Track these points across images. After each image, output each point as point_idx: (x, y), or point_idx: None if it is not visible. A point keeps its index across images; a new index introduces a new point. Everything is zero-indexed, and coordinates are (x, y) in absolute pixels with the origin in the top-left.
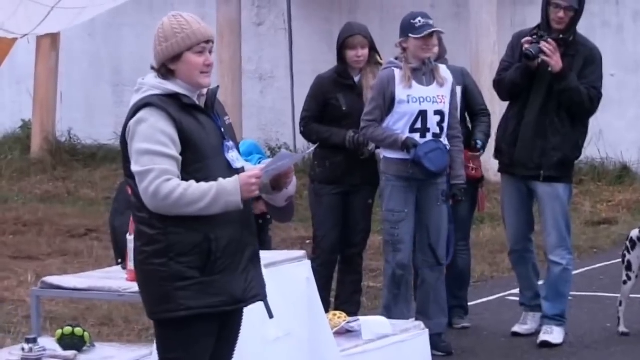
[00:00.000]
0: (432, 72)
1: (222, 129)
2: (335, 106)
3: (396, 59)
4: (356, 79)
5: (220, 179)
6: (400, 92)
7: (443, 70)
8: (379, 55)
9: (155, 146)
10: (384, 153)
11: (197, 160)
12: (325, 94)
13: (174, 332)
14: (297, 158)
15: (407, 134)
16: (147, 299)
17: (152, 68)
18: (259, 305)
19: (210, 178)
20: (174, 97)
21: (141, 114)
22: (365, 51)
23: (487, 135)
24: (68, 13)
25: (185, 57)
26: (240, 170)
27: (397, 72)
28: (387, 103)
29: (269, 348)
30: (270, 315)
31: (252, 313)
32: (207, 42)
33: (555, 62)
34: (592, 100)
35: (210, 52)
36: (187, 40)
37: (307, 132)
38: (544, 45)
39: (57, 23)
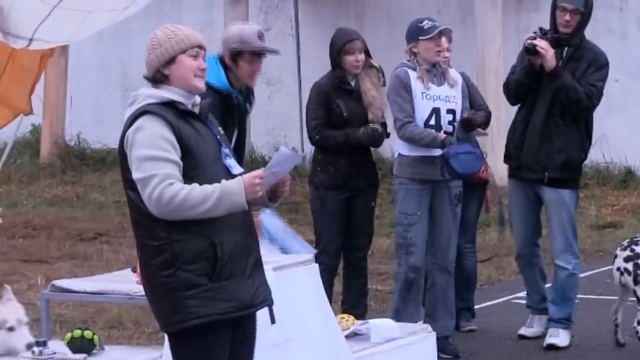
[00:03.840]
0: (443, 74)
1: (219, 137)
2: (336, 112)
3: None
4: (352, 83)
5: (224, 181)
6: (416, 88)
7: (453, 72)
8: (371, 58)
9: (156, 151)
10: (400, 151)
11: (196, 166)
12: (327, 100)
13: (188, 343)
14: (297, 159)
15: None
16: (158, 311)
17: (145, 77)
18: (262, 310)
19: (210, 183)
20: (169, 104)
21: (139, 122)
22: (363, 55)
23: (485, 118)
24: (72, 18)
25: (180, 60)
26: (238, 176)
27: (410, 71)
28: (410, 95)
29: (266, 354)
30: (273, 321)
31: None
32: (200, 47)
33: (549, 58)
34: (589, 97)
35: (204, 58)
36: (182, 43)
37: (323, 139)
38: (538, 40)
39: (61, 28)
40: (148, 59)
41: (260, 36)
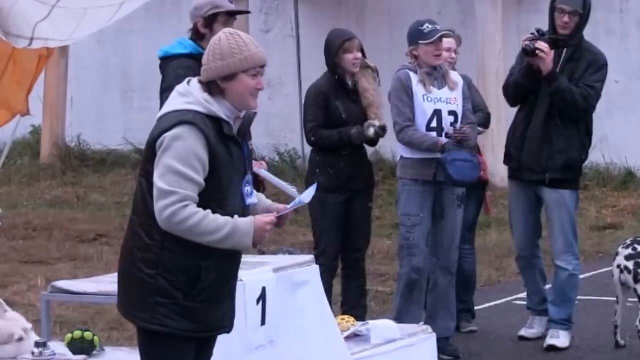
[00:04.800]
0: (443, 76)
1: (247, 162)
2: (335, 114)
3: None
4: (350, 83)
5: (236, 217)
6: (417, 91)
7: (453, 74)
8: (366, 58)
9: (186, 169)
10: (402, 153)
11: (217, 191)
12: (326, 101)
13: (151, 342)
14: (306, 198)
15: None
16: (125, 298)
17: (200, 82)
18: (255, 310)
19: (223, 209)
20: (215, 120)
21: (181, 130)
22: (360, 54)
23: (481, 124)
24: (70, 16)
25: (239, 78)
26: (247, 208)
27: (411, 73)
28: (411, 99)
29: (248, 356)
30: (263, 322)
31: (244, 319)
32: (262, 66)
33: (547, 61)
34: (586, 99)
35: (262, 75)
36: (245, 62)
37: (319, 140)
38: (539, 43)
39: (59, 28)
40: (207, 66)
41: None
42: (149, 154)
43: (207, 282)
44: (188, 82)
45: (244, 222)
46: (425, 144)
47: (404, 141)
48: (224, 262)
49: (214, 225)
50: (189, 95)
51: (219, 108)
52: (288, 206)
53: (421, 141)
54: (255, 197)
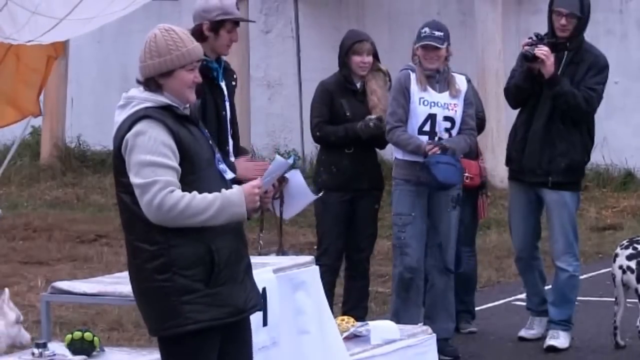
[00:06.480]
0: (447, 80)
1: (211, 141)
2: (340, 112)
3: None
4: (357, 85)
5: (224, 190)
6: (414, 93)
7: (459, 80)
8: (379, 62)
9: (157, 157)
10: (395, 154)
11: (192, 172)
12: (331, 99)
13: (180, 346)
14: (288, 164)
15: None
16: (151, 315)
17: (138, 81)
18: (256, 313)
19: (205, 189)
20: (167, 108)
21: (139, 126)
22: (370, 58)
23: (480, 124)
24: (75, 22)
25: (177, 74)
26: (229, 185)
27: (412, 74)
28: (407, 100)
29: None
30: (265, 323)
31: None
32: (199, 60)
33: (549, 64)
34: (588, 102)
35: (198, 68)
36: (182, 59)
37: (324, 136)
38: (539, 47)
39: (63, 32)
40: (144, 64)
41: (238, 6)
42: (118, 164)
43: (222, 263)
44: (126, 91)
45: (233, 192)
46: (410, 146)
47: (392, 141)
48: (230, 239)
49: (204, 203)
50: (132, 100)
51: (164, 98)
52: (270, 167)
53: (406, 143)
54: (231, 173)
